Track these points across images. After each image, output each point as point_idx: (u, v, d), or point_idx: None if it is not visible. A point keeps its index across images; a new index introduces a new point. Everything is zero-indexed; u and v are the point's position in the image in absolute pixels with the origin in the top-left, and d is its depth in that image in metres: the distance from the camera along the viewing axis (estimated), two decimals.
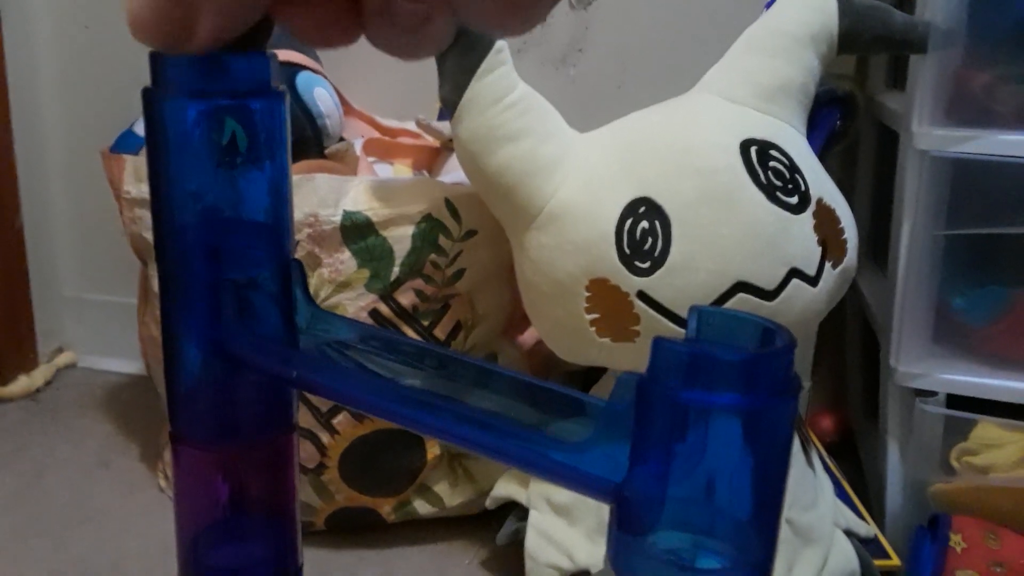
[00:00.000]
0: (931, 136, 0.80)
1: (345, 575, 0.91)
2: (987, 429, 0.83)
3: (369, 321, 0.85)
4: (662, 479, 0.20)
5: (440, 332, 0.88)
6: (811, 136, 0.83)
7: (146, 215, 0.94)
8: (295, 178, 0.85)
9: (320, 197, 0.82)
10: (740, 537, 0.20)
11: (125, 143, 0.96)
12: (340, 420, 0.89)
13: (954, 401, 0.84)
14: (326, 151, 0.93)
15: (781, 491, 0.20)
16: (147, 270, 0.99)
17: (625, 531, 0.20)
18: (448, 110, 0.77)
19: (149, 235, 0.94)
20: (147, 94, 0.26)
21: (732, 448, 0.19)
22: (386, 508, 0.95)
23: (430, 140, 1.01)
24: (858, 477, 1.02)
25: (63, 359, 1.33)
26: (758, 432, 0.19)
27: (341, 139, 0.97)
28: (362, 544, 0.95)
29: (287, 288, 0.26)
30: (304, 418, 0.89)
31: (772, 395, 0.19)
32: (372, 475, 0.93)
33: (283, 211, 0.28)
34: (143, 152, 1.01)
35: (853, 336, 1.12)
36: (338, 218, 0.82)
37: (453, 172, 0.93)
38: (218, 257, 0.27)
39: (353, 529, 0.96)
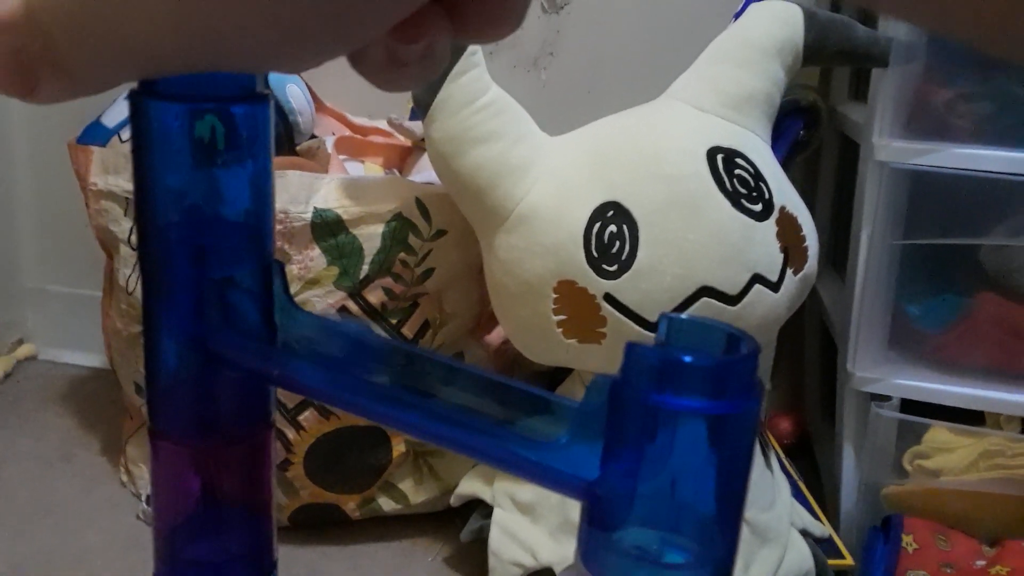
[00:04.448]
0: (890, 148, 0.82)
1: (309, 571, 0.91)
2: (939, 433, 0.85)
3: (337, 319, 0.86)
4: (632, 478, 0.21)
5: (408, 330, 0.89)
6: (775, 145, 0.85)
7: (112, 207, 0.93)
8: None
9: (291, 194, 0.82)
10: (704, 534, 0.21)
11: (92, 134, 0.95)
12: (306, 416, 0.89)
13: (908, 406, 0.86)
14: (297, 148, 0.94)
15: (743, 491, 0.21)
16: (112, 262, 0.98)
17: (595, 527, 0.21)
18: (420, 111, 0.77)
19: (115, 227, 0.93)
20: (133, 97, 0.27)
21: (699, 449, 0.20)
22: (351, 505, 0.96)
23: (401, 139, 1.02)
24: (814, 479, 1.04)
25: (23, 351, 1.32)
26: (723, 434, 0.20)
27: (313, 136, 0.97)
28: (326, 541, 0.95)
29: (267, 287, 0.27)
30: None
31: (737, 399, 0.20)
32: (337, 472, 0.94)
33: (265, 212, 0.28)
34: (111, 144, 1.01)
35: (811, 341, 1.15)
36: (308, 215, 0.83)
37: (424, 172, 0.94)
38: (200, 256, 0.27)
39: (317, 525, 0.96)
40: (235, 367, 0.26)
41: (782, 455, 0.99)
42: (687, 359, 0.20)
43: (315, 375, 0.24)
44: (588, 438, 0.21)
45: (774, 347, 1.14)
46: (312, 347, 0.25)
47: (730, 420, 0.20)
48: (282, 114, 0.89)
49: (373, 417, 0.24)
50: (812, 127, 0.91)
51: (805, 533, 0.85)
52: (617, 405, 0.21)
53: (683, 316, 0.22)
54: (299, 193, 0.82)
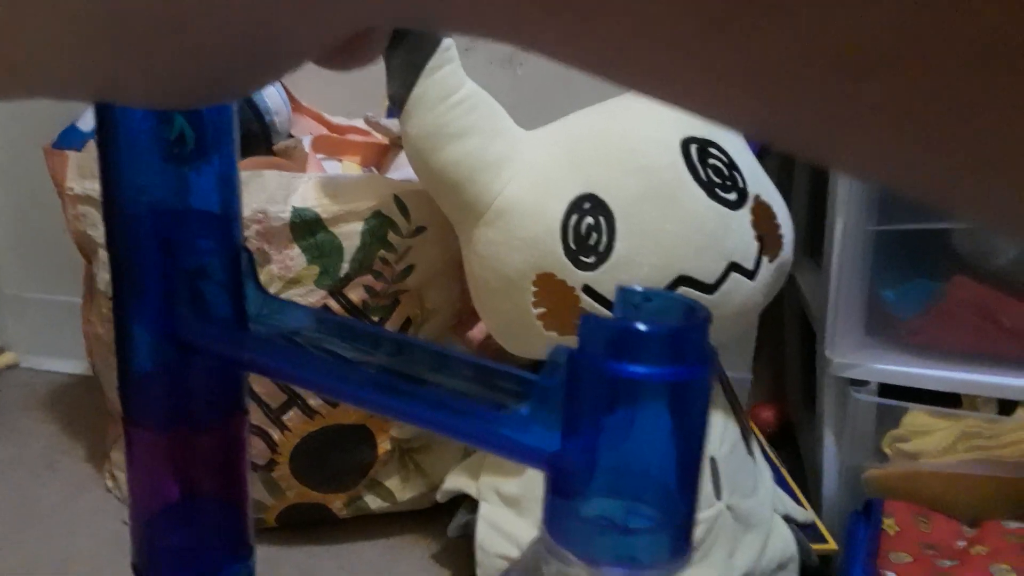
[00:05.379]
0: None
1: (297, 572, 0.91)
2: (917, 417, 0.86)
3: None
4: (592, 448, 0.21)
5: (390, 328, 0.89)
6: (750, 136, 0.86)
7: (90, 212, 0.93)
8: (243, 174, 0.85)
9: (269, 193, 0.82)
10: (665, 500, 0.21)
11: (68, 139, 0.95)
12: (290, 417, 0.89)
13: (886, 390, 0.87)
14: (275, 148, 0.94)
15: (701, 455, 0.21)
16: (92, 267, 0.98)
17: (559, 497, 0.22)
18: (396, 107, 0.78)
19: (93, 232, 0.93)
20: None
21: (656, 416, 0.21)
22: (337, 504, 0.96)
23: (379, 137, 1.02)
24: (797, 466, 1.05)
25: (4, 360, 1.31)
26: (680, 401, 0.21)
27: (290, 136, 0.98)
28: (314, 540, 0.96)
29: (237, 277, 0.27)
30: (254, 415, 0.89)
31: (692, 366, 0.21)
32: (323, 471, 0.94)
33: (232, 202, 0.29)
34: (87, 148, 1.01)
35: (792, 330, 1.16)
36: (287, 215, 0.83)
37: (402, 169, 0.94)
38: (168, 247, 0.27)
39: (305, 525, 0.96)
40: (207, 355, 0.26)
41: (764, 443, 1.00)
42: (642, 328, 0.20)
43: (283, 358, 0.25)
44: (549, 410, 0.22)
45: (755, 336, 1.15)
46: (281, 332, 0.26)
47: (686, 386, 0.20)
48: (258, 114, 0.89)
49: (339, 396, 0.24)
50: None
51: (788, 519, 0.86)
52: (575, 376, 0.21)
53: (638, 288, 0.23)
54: (277, 192, 0.82)
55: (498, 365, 0.23)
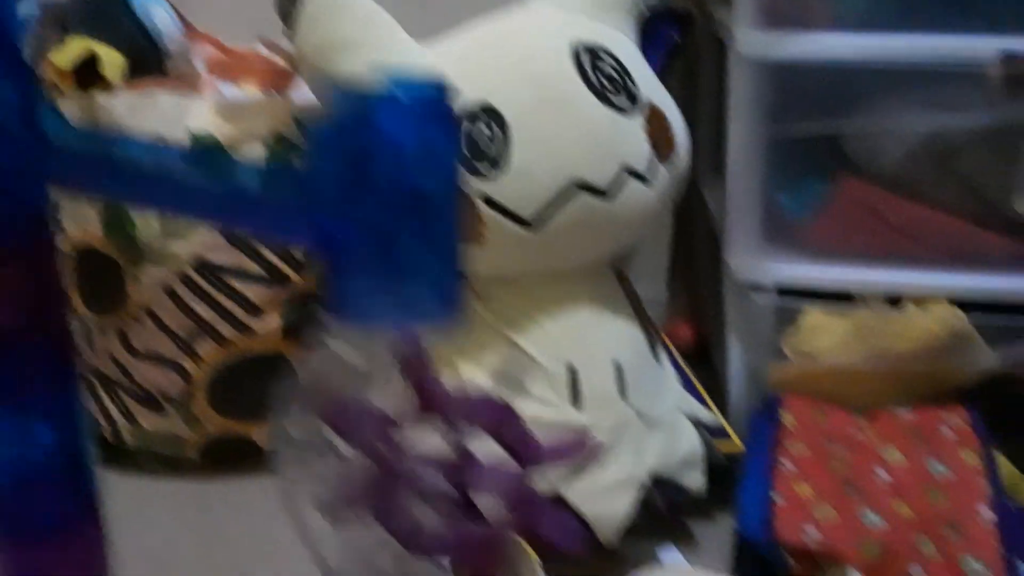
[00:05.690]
0: (753, 41, 0.85)
1: (225, 505, 0.91)
2: (814, 316, 0.89)
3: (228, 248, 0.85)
4: (356, 222, 0.22)
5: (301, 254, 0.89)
6: (652, 51, 0.87)
7: None
8: (134, 96, 0.83)
9: (163, 116, 0.81)
10: (430, 262, 0.22)
11: None
12: (202, 346, 0.89)
13: (786, 293, 0.90)
14: (168, 71, 0.92)
15: (456, 214, 0.23)
16: None
17: (332, 275, 0.23)
18: (287, 23, 0.77)
19: None
20: None
21: (411, 181, 0.22)
22: (260, 434, 0.96)
23: (278, 61, 1.00)
24: (714, 383, 1.07)
25: None
26: (432, 165, 0.22)
27: (184, 61, 0.96)
28: (242, 472, 0.95)
29: (27, 94, 0.27)
30: (165, 346, 0.89)
31: (443, 133, 0.22)
32: (241, 401, 0.94)
33: (10, 18, 0.28)
34: None
35: (703, 247, 1.18)
36: (185, 139, 0.82)
37: (304, 92, 0.93)
38: None
39: (230, 459, 0.96)
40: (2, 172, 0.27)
41: (676, 354, 1.03)
42: (389, 97, 0.21)
43: (78, 169, 0.25)
44: (315, 194, 0.23)
45: (668, 257, 1.18)
46: (76, 148, 0.26)
47: (438, 151, 0.22)
48: (149, 38, 0.88)
49: (131, 199, 0.25)
50: (686, 31, 0.93)
51: (697, 422, 0.88)
52: (336, 156, 0.22)
53: (393, 77, 0.24)
54: (171, 114, 0.81)
55: (276, 165, 0.24)
